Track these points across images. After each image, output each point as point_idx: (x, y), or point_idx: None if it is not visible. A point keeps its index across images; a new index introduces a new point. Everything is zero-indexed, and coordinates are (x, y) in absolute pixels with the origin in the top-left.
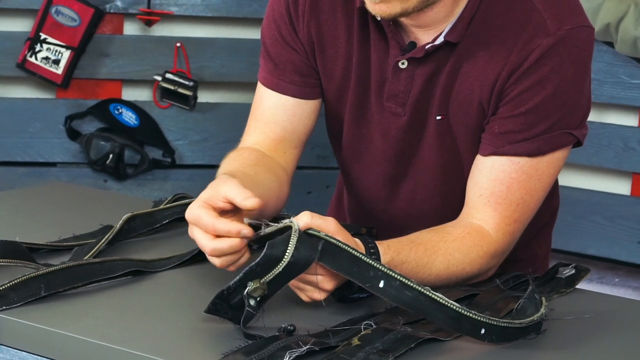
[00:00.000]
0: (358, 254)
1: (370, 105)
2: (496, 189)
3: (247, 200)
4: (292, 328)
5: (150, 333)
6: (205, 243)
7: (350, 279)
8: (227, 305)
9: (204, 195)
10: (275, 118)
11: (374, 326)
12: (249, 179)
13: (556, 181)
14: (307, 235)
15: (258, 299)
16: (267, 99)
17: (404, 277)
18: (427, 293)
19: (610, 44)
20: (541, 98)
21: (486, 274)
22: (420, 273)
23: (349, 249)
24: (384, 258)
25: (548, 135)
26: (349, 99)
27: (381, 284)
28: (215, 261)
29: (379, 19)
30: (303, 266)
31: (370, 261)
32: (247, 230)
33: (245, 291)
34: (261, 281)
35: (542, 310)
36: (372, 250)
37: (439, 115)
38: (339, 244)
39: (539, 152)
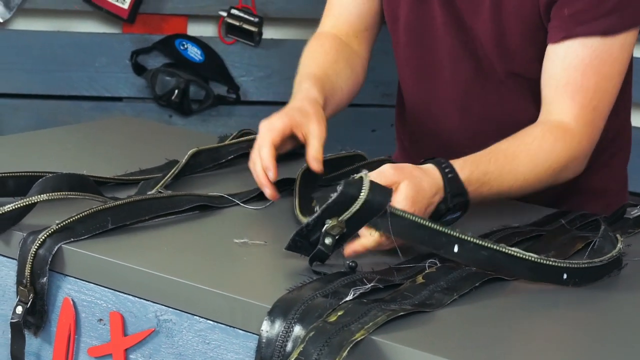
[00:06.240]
0: (427, 223)
1: None
2: (571, 78)
3: (315, 162)
4: (354, 264)
5: (215, 267)
6: (254, 159)
7: (423, 246)
8: (307, 242)
9: (295, 117)
10: None
11: (439, 264)
12: (330, 85)
13: (625, 97)
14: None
15: (336, 237)
16: None
17: (477, 237)
18: (503, 250)
19: None
20: None
21: (575, 170)
22: (506, 181)
23: (416, 219)
24: (462, 174)
25: (619, 13)
26: None
27: (455, 249)
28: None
29: None
30: (378, 207)
31: (441, 228)
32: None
33: (324, 228)
34: (339, 219)
35: (619, 245)
36: (446, 170)
37: None
38: (406, 215)
39: (611, 30)
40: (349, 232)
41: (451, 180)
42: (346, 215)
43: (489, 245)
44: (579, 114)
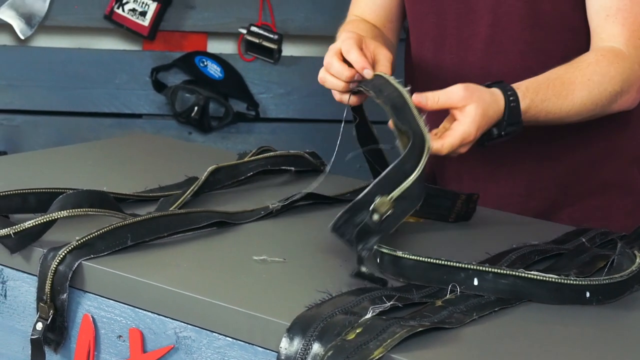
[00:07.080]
0: (442, 262)
1: None
2: (621, 5)
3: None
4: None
5: (234, 284)
6: (330, 59)
7: (443, 287)
8: (351, 224)
9: (363, 37)
10: None
11: (459, 293)
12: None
13: None
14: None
15: (383, 217)
16: None
17: (494, 267)
18: (523, 275)
19: None
20: None
21: (629, 97)
22: (564, 106)
23: (431, 260)
24: (523, 103)
25: None
26: None
27: (475, 282)
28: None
29: None
30: (421, 195)
31: (458, 263)
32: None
33: (371, 206)
34: (388, 198)
35: (638, 260)
36: (511, 98)
37: None
38: (420, 258)
39: None
40: (398, 212)
41: (511, 110)
42: (396, 193)
43: (508, 272)
44: (630, 39)
